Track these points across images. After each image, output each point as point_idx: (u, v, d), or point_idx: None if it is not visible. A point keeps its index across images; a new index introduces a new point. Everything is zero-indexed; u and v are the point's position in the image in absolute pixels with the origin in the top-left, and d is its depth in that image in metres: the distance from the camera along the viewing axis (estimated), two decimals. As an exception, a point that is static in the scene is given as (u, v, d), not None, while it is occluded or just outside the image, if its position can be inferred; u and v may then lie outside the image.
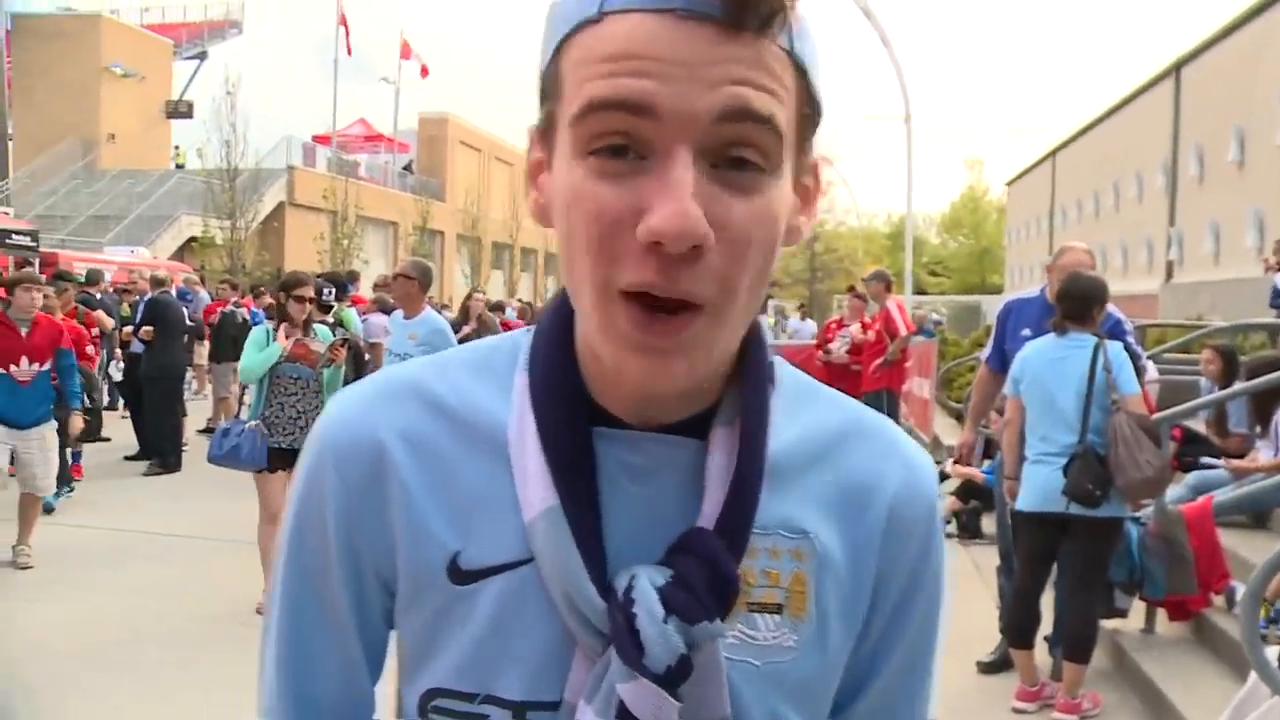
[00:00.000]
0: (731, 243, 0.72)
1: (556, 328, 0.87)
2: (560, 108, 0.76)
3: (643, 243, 0.70)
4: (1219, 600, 5.49)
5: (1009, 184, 60.97)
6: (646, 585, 0.77)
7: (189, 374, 11.78)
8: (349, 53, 40.78)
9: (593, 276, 0.74)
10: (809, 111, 0.78)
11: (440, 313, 8.23)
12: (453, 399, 0.87)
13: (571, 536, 0.79)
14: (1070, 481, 4.44)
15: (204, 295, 16.67)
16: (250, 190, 30.50)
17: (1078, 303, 4.60)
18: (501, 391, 0.87)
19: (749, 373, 0.85)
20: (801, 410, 0.90)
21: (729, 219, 0.72)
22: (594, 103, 0.72)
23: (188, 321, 11.47)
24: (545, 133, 0.80)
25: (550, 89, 0.78)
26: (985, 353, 5.69)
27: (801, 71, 0.75)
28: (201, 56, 45.55)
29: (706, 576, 0.78)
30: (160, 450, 10.65)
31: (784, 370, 0.91)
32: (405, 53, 43.51)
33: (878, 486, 0.89)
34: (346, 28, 40.14)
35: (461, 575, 0.84)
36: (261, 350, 6.02)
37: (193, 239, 31.21)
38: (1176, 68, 32.23)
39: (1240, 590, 5.06)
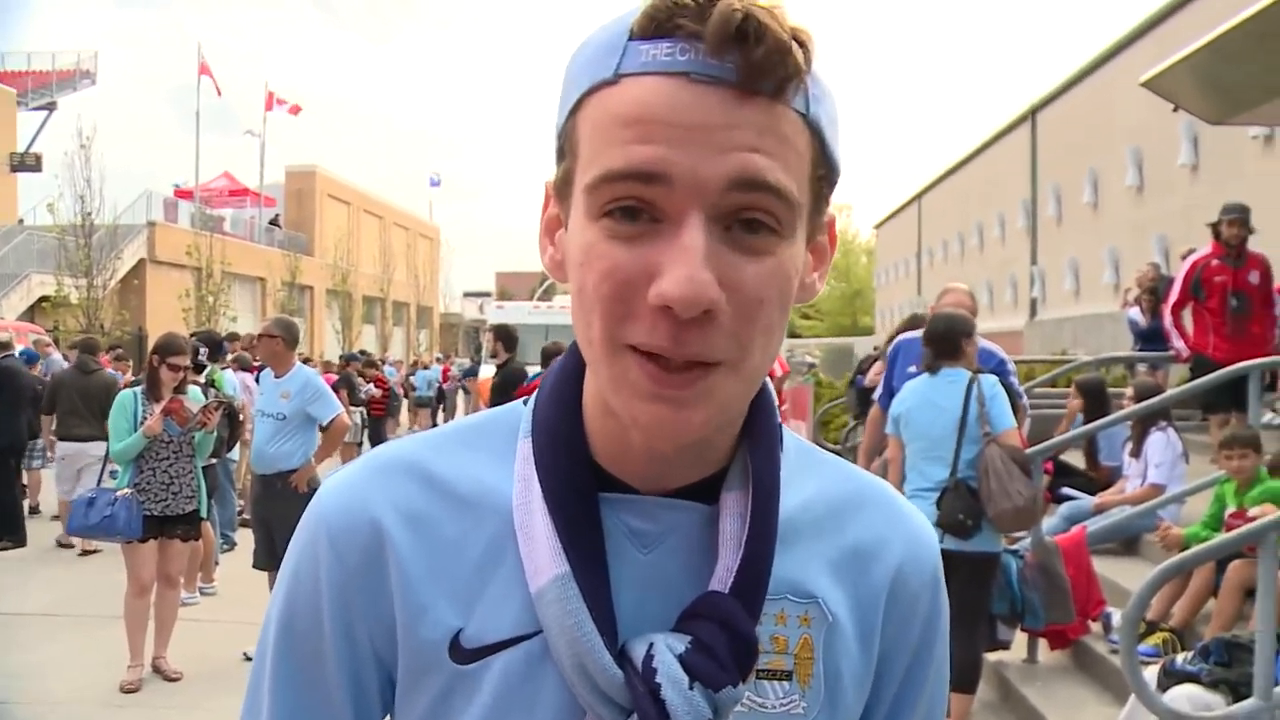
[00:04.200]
0: (743, 304, 0.72)
1: (561, 392, 0.86)
2: (576, 168, 0.75)
3: (653, 306, 0.70)
4: (1095, 626, 5.64)
5: (877, 227, 62.64)
6: (667, 652, 0.76)
7: (39, 443, 10.86)
8: (218, 93, 40.09)
9: (603, 333, 0.73)
10: (823, 173, 0.77)
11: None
12: (450, 473, 0.85)
13: (584, 603, 0.77)
14: (942, 512, 4.51)
15: (56, 358, 15.47)
16: (108, 247, 29.10)
17: (945, 340, 4.74)
18: (501, 462, 0.86)
19: (759, 435, 0.84)
20: (807, 475, 0.90)
21: (741, 281, 0.71)
22: (608, 174, 0.71)
23: (36, 388, 10.64)
24: (562, 189, 0.79)
25: (567, 147, 0.77)
26: (877, 392, 5.78)
27: (816, 133, 0.74)
28: (50, 107, 43.66)
29: (726, 640, 0.76)
30: (4, 527, 9.71)
31: (787, 435, 0.90)
32: (270, 104, 42.74)
33: (881, 554, 0.89)
34: (212, 75, 39.31)
35: (464, 654, 0.81)
36: (128, 417, 5.87)
37: (44, 298, 29.72)
38: (1033, 112, 33.49)
39: (1116, 615, 5.21)
